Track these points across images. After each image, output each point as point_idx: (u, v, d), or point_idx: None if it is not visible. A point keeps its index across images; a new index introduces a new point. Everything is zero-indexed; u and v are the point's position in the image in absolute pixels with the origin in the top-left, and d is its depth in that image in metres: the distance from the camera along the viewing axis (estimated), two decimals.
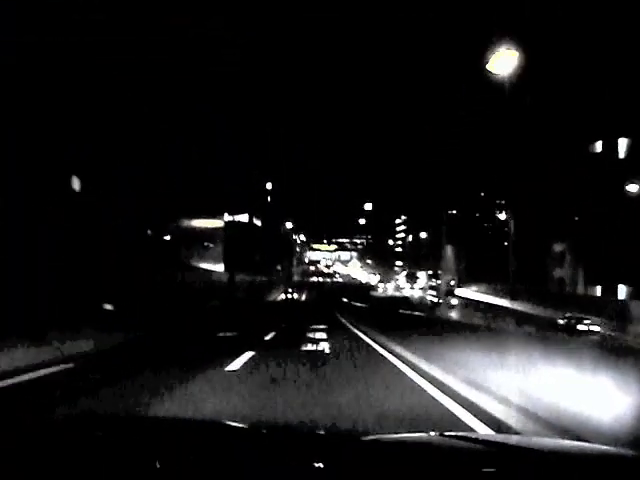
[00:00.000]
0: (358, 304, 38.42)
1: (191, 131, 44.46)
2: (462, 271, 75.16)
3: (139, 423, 2.28)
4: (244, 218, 73.24)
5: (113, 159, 27.60)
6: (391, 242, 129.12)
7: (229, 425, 2.20)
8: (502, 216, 50.85)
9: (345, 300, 44.83)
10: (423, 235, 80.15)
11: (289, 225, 70.18)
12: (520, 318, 33.55)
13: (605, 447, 1.87)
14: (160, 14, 35.42)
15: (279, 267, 66.89)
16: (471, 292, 63.57)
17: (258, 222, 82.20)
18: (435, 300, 65.16)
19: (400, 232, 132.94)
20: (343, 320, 22.55)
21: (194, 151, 46.30)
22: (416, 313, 30.10)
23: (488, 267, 62.04)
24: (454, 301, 51.03)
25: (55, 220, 15.19)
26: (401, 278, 74.55)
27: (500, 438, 2.46)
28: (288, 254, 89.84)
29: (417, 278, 77.47)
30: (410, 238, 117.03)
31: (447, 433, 1.87)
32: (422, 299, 70.16)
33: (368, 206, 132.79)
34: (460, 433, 2.01)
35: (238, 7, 69.39)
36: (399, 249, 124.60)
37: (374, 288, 77.14)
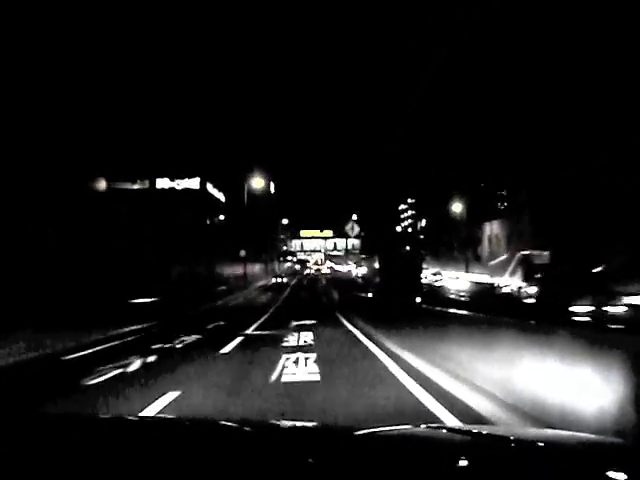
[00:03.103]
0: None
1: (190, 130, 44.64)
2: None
3: (124, 424, 2.11)
4: (194, 184, 49.74)
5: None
6: (398, 229, 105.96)
7: (218, 423, 2.17)
8: None
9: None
10: (457, 208, 54.84)
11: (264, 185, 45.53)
12: None
13: (594, 436, 1.82)
14: (160, 14, 40.04)
15: (243, 253, 42.65)
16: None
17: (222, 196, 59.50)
18: None
19: (407, 218, 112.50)
20: None
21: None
22: None
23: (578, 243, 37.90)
24: None
25: None
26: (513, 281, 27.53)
27: (488, 429, 2.36)
28: (266, 241, 66.36)
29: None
30: (423, 222, 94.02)
31: (434, 425, 1.86)
32: None
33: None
34: (455, 425, 2.35)
35: (238, 7, 70.61)
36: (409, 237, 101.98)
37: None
